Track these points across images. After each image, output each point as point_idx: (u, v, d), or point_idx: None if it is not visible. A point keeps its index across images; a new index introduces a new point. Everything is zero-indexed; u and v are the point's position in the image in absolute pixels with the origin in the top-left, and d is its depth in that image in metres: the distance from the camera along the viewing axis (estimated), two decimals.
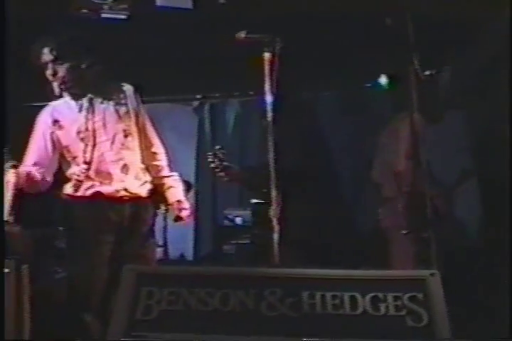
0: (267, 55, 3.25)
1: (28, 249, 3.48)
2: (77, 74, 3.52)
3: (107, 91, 3.65)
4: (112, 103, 3.61)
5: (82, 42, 3.57)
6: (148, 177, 3.65)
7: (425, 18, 3.82)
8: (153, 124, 3.77)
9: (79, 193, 3.52)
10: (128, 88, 3.68)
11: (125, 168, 3.55)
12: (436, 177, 4.21)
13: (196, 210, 6.32)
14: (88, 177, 3.51)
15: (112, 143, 3.54)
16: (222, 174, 4.78)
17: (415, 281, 2.35)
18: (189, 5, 4.53)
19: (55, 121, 3.56)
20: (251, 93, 6.06)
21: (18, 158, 3.50)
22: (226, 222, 5.88)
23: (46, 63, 3.50)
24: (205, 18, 4.73)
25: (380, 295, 2.31)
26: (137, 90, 3.71)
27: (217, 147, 4.84)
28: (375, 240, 4.33)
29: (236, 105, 6.44)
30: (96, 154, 3.52)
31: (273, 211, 3.14)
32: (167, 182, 3.69)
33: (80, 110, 3.57)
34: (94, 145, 3.52)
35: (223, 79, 5.77)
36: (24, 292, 3.28)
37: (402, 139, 4.06)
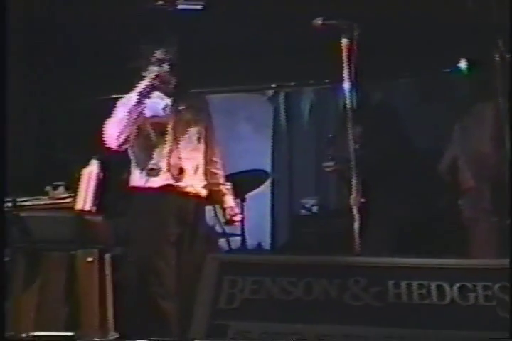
0: (344, 42, 3.19)
1: (110, 239, 3.53)
2: (173, 74, 3.67)
3: (190, 95, 3.89)
4: (192, 107, 3.79)
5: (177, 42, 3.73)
6: (205, 182, 3.82)
7: None
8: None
9: (150, 184, 3.61)
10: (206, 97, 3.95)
11: (195, 168, 3.72)
12: None
13: (272, 199, 6.34)
14: (162, 170, 3.61)
15: (188, 143, 3.72)
16: (330, 164, 4.74)
17: (505, 271, 2.27)
18: None
19: (141, 113, 3.62)
20: (326, 81, 6.00)
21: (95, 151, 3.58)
22: (303, 211, 5.86)
23: (153, 62, 3.63)
24: (281, 6, 4.69)
25: (469, 284, 2.25)
26: None
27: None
28: (457, 229, 4.22)
29: (311, 94, 6.38)
30: (174, 149, 3.64)
31: (353, 199, 3.10)
32: (222, 189, 3.92)
33: (165, 108, 3.71)
34: (172, 141, 3.65)
35: (298, 68, 5.73)
36: (107, 280, 3.34)
37: (487, 125, 3.94)
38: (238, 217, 3.99)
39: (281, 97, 6.50)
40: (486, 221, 3.94)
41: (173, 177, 3.61)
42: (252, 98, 6.52)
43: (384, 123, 4.65)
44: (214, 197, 3.89)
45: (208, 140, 3.84)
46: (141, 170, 3.65)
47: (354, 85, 3.23)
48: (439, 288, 2.27)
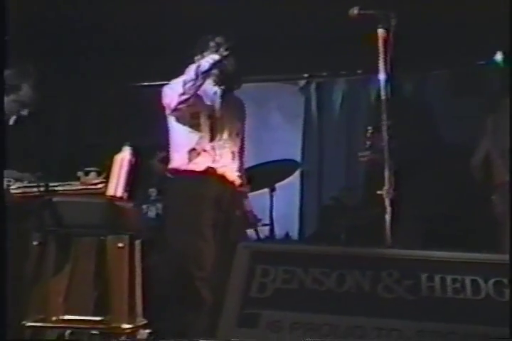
0: (381, 32, 3.16)
1: (141, 225, 3.54)
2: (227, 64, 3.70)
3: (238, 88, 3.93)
4: (235, 101, 3.92)
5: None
6: (239, 172, 3.87)
7: None
8: None
9: (192, 166, 3.65)
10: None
11: (233, 155, 3.79)
12: None
13: (302, 189, 6.31)
14: (206, 151, 3.67)
15: (229, 131, 3.79)
16: (366, 153, 4.71)
17: None
18: None
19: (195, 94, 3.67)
20: (359, 72, 5.96)
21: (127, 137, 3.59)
22: (332, 202, 5.83)
23: (214, 50, 3.66)
24: None
25: (505, 280, 2.21)
26: None
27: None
28: (490, 224, 4.17)
29: (343, 84, 6.33)
30: (217, 133, 3.71)
31: (385, 191, 3.07)
32: (244, 190, 3.94)
33: (215, 93, 3.80)
34: (217, 125, 3.72)
35: (331, 58, 5.69)
36: (136, 267, 3.35)
37: None
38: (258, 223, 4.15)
39: (313, 87, 6.45)
40: None
41: (215, 160, 3.67)
42: (283, 88, 6.48)
43: (417, 115, 4.59)
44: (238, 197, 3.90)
45: (242, 139, 3.93)
46: (184, 151, 3.68)
47: (389, 76, 3.19)
48: (474, 282, 2.24)
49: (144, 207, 4.87)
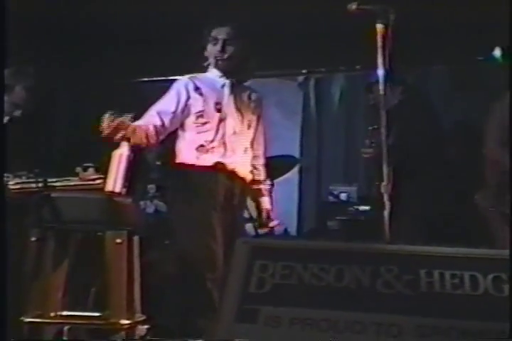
0: (379, 27, 3.14)
1: (139, 221, 3.53)
2: (237, 54, 3.61)
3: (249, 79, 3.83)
4: (247, 92, 3.75)
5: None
6: (251, 168, 3.75)
7: None
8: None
9: (201, 161, 3.54)
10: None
11: (244, 150, 3.66)
12: None
13: (300, 185, 6.32)
14: (215, 147, 3.55)
15: (239, 125, 3.65)
16: (369, 150, 4.69)
17: None
18: None
19: (197, 88, 3.62)
20: (357, 67, 5.95)
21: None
22: (331, 198, 5.84)
23: (219, 39, 3.59)
24: None
25: (504, 275, 2.21)
26: None
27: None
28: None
29: (342, 80, 6.33)
30: (228, 126, 3.59)
31: (384, 187, 3.07)
32: (262, 188, 3.81)
33: (223, 86, 3.67)
34: (226, 119, 3.59)
35: (329, 54, 5.69)
36: (135, 263, 3.35)
37: None
38: (273, 224, 3.84)
39: (312, 83, 6.46)
40: None
41: (224, 155, 3.55)
42: (282, 83, 6.48)
43: (416, 111, 4.58)
44: (252, 194, 3.79)
45: (256, 132, 3.77)
46: (192, 147, 3.56)
47: (388, 72, 3.18)
48: (472, 278, 2.24)
49: (142, 203, 4.87)
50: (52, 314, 3.20)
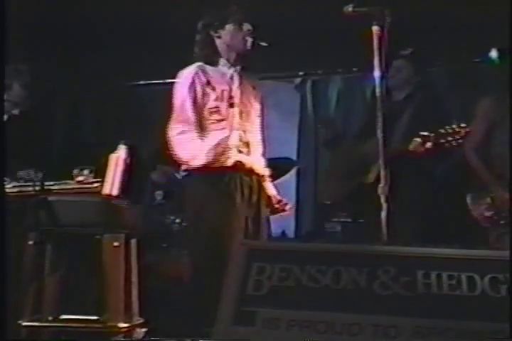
0: (375, 29, 3.15)
1: (137, 224, 3.53)
2: (245, 46, 3.53)
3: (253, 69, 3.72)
4: (252, 82, 3.67)
5: None
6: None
7: None
8: None
9: (220, 163, 3.41)
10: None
11: (258, 143, 3.61)
12: None
13: (297, 187, 6.31)
14: (232, 145, 3.45)
15: (252, 117, 3.58)
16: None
17: None
18: None
19: (208, 82, 3.50)
20: (354, 69, 5.96)
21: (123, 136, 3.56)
22: (327, 200, 5.81)
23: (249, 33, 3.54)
24: None
25: (500, 276, 2.22)
26: None
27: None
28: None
29: (339, 82, 6.33)
30: (243, 121, 3.51)
31: (381, 188, 3.07)
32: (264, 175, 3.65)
33: (232, 77, 3.56)
34: (241, 113, 3.51)
35: (326, 56, 5.69)
36: (132, 266, 3.35)
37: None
38: (288, 206, 3.74)
39: (309, 85, 6.45)
40: None
41: (241, 153, 3.46)
42: (279, 86, 6.47)
43: (412, 112, 4.58)
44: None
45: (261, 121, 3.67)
46: (211, 145, 3.41)
47: (384, 73, 3.19)
48: (470, 279, 2.25)
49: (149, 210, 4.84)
50: (50, 317, 3.20)
